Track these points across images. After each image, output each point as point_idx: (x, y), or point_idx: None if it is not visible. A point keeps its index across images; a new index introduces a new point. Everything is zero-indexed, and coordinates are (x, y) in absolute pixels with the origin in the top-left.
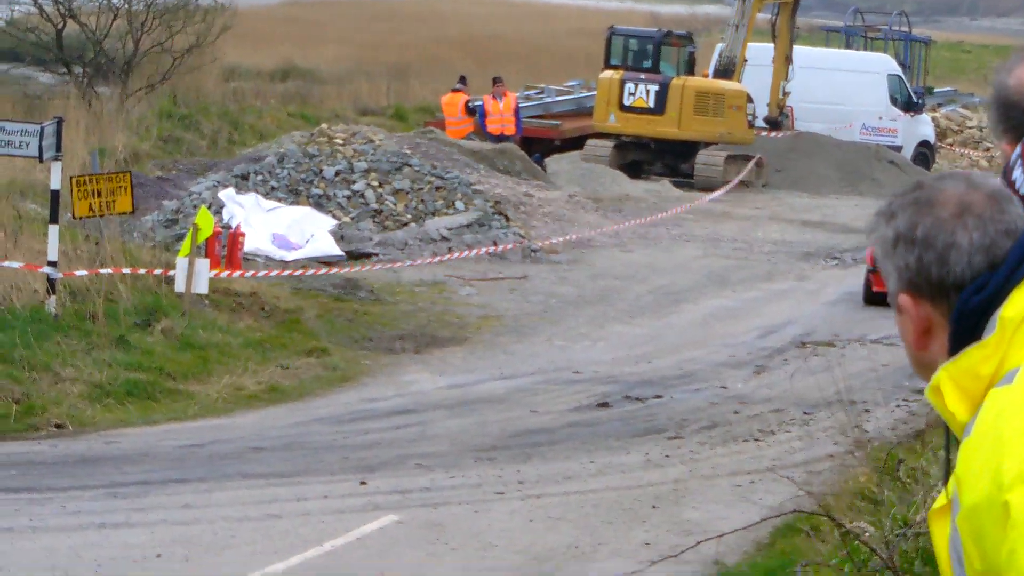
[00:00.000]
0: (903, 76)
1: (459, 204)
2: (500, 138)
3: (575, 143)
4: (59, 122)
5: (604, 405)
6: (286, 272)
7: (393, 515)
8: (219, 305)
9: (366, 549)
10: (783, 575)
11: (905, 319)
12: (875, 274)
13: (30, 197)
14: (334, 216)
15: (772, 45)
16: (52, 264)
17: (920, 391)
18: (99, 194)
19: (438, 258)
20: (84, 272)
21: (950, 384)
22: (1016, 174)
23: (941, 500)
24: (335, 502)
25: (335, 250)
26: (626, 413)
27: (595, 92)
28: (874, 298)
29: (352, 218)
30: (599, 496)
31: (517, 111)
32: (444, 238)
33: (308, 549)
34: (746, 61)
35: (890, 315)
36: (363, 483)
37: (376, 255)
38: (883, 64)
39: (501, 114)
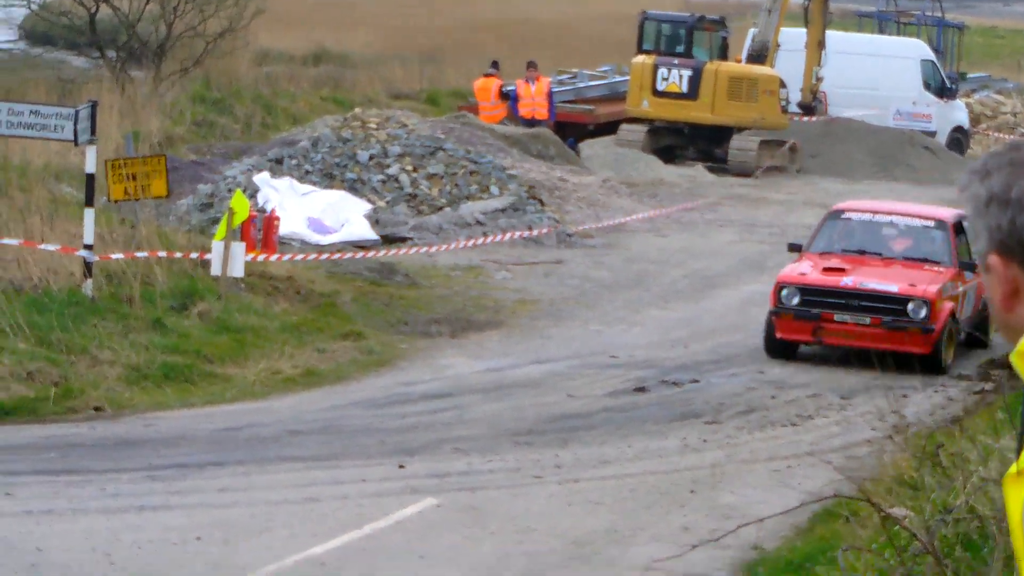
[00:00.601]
0: (936, 61)
1: (493, 189)
2: (532, 122)
3: (608, 128)
4: (94, 106)
5: (641, 390)
6: (322, 256)
7: (431, 499)
8: (255, 289)
9: (404, 532)
10: (823, 560)
11: (993, 280)
12: (779, 317)
13: (65, 181)
14: (369, 200)
15: (805, 30)
16: (88, 247)
17: (958, 377)
18: (134, 178)
19: (473, 242)
20: (120, 255)
21: None
22: None
23: (1014, 467)
24: (373, 485)
25: (370, 234)
26: (663, 398)
27: (628, 77)
28: (776, 347)
29: (387, 202)
30: (637, 480)
31: (550, 96)
32: (479, 222)
33: (346, 532)
34: (779, 46)
35: None
36: (401, 467)
37: (411, 239)
38: (916, 49)
39: (532, 98)
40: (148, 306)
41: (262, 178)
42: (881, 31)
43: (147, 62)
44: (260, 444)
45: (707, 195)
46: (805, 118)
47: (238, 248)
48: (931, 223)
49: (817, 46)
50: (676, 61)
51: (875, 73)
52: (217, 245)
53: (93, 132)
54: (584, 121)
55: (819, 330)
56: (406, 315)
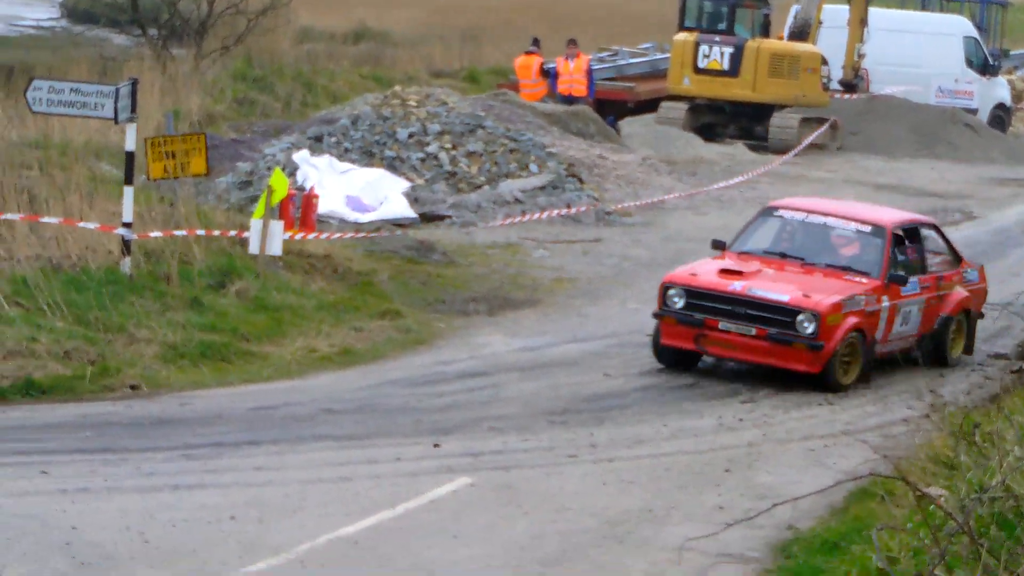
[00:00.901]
0: (979, 39)
1: (533, 167)
2: (570, 99)
3: (649, 106)
4: (134, 83)
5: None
6: (360, 234)
7: (466, 477)
8: (293, 267)
9: (439, 512)
10: (858, 539)
11: None
12: (663, 321)
13: (105, 159)
14: (408, 178)
15: (847, 7)
16: (127, 225)
17: (995, 356)
18: (173, 156)
19: (511, 220)
20: (158, 233)
21: None
22: None
23: None
24: (408, 464)
25: (409, 212)
26: (698, 376)
27: (669, 54)
28: (665, 354)
29: (426, 180)
30: (672, 460)
31: (589, 73)
32: (518, 200)
33: (380, 511)
34: (821, 23)
35: None
36: (436, 445)
37: (449, 217)
38: (959, 26)
39: (571, 75)
40: (186, 284)
41: (301, 156)
42: (924, 8)
43: (188, 40)
44: (295, 423)
45: (746, 173)
46: (846, 95)
47: (276, 226)
48: (867, 228)
49: (859, 23)
50: (718, 38)
51: (917, 50)
52: (255, 223)
53: (133, 110)
54: (624, 99)
55: (701, 338)
56: (443, 293)
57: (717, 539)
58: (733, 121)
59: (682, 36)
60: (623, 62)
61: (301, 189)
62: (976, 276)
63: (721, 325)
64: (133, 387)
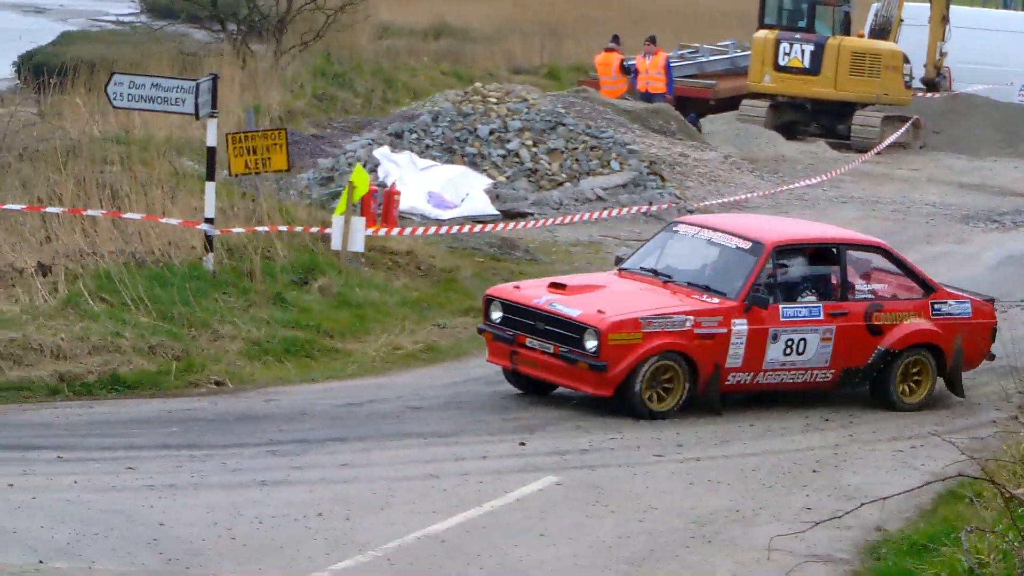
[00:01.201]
0: None
1: (614, 164)
2: (649, 96)
3: (730, 103)
4: (214, 79)
5: None
6: (442, 230)
7: (552, 476)
8: (375, 263)
9: (525, 510)
10: (947, 541)
11: None
12: (487, 336)
13: (186, 154)
14: (489, 175)
15: (928, 5)
16: (209, 221)
17: None
18: (254, 151)
19: (593, 214)
20: (241, 229)
21: None
22: None
23: None
24: (494, 463)
25: (490, 209)
26: None
27: (750, 52)
28: (508, 375)
29: (507, 177)
30: (759, 460)
31: (668, 70)
32: (599, 198)
33: (467, 509)
34: (902, 21)
35: None
36: (522, 444)
37: (531, 215)
38: None
39: (647, 71)
40: (269, 280)
41: (382, 152)
42: (1006, 6)
43: (268, 36)
44: (381, 420)
45: (829, 172)
46: (928, 94)
47: (358, 223)
48: (746, 245)
49: (941, 21)
50: (798, 36)
51: (1000, 48)
52: (337, 219)
53: (214, 105)
54: (705, 96)
55: (515, 355)
56: None
57: (805, 539)
58: (815, 119)
59: (762, 33)
60: (704, 59)
61: (382, 185)
62: (965, 310)
63: (528, 342)
64: (218, 383)
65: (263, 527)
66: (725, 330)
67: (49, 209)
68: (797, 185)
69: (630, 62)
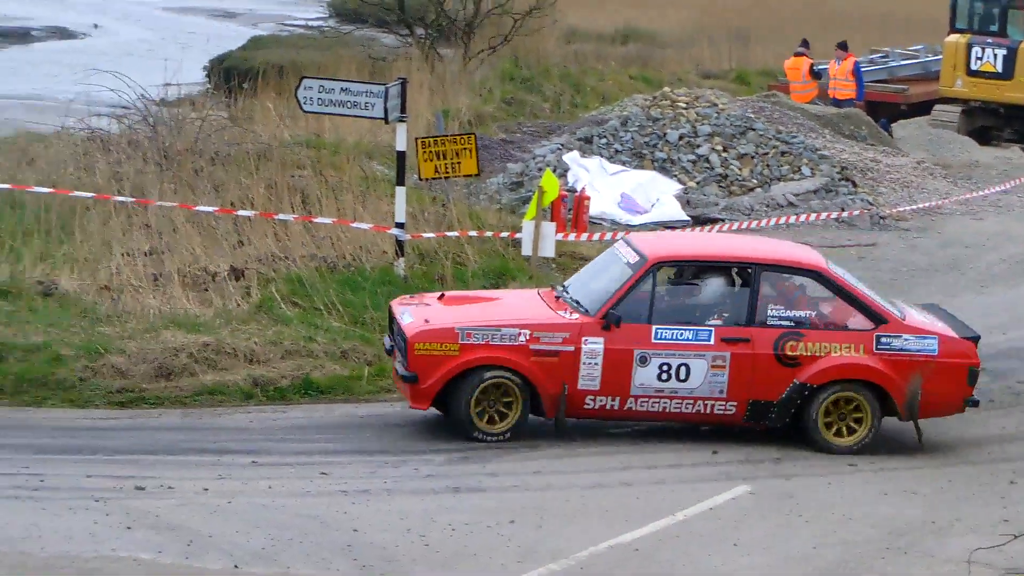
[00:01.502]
0: None
1: (805, 170)
2: (837, 102)
3: (922, 108)
4: (403, 83)
5: None
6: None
7: (745, 485)
8: (566, 269)
9: (719, 519)
10: None
11: None
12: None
13: (376, 158)
14: (679, 180)
15: None
16: (400, 226)
17: None
18: (444, 156)
19: (784, 221)
20: (431, 234)
21: None
22: None
23: None
24: (686, 471)
25: (681, 215)
26: (980, 384)
27: (941, 56)
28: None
29: (697, 183)
30: (954, 471)
31: (858, 75)
32: (790, 204)
33: (660, 518)
34: None
35: None
36: (714, 452)
37: (722, 220)
38: None
39: (834, 77)
40: (460, 285)
41: (571, 157)
42: None
43: (455, 40)
44: (573, 427)
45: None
46: None
47: (548, 228)
48: (634, 259)
49: None
50: (990, 40)
51: None
52: (527, 224)
53: (403, 110)
54: (896, 101)
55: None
56: None
57: (1004, 552)
58: (1008, 124)
59: (954, 38)
60: (894, 64)
61: (572, 190)
62: (928, 347)
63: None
64: None
65: (456, 534)
66: (573, 348)
67: (241, 212)
68: (991, 191)
69: (821, 67)
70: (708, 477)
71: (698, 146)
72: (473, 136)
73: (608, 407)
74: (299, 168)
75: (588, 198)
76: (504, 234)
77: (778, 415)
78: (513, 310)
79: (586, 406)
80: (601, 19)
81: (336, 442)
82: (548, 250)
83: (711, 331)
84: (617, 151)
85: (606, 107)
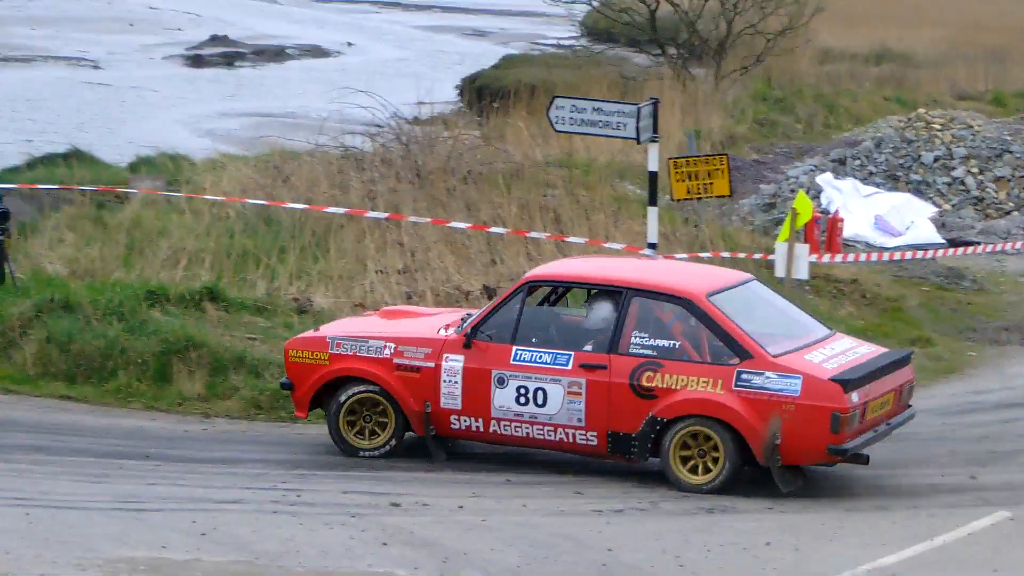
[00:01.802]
0: None
1: None
2: None
3: None
4: (655, 103)
5: None
6: (884, 258)
7: (1004, 511)
8: (819, 291)
9: (978, 545)
10: None
11: None
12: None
13: (628, 178)
14: (934, 203)
15: None
16: (652, 246)
17: None
18: (696, 176)
19: None
20: (684, 255)
21: None
22: None
23: None
24: (944, 496)
25: (936, 238)
26: None
27: None
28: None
29: (952, 205)
30: None
31: None
32: None
33: (918, 543)
34: None
35: None
36: (972, 477)
37: (977, 243)
38: None
39: None
40: None
41: (825, 179)
42: None
43: (707, 59)
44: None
45: None
46: None
47: (802, 249)
48: (521, 285)
49: None
50: None
51: None
52: (780, 246)
53: (655, 130)
54: None
55: None
56: (974, 322)
57: None
58: None
59: None
60: None
61: (825, 212)
62: (791, 387)
63: None
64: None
65: (711, 555)
66: (433, 364)
67: (493, 230)
68: None
69: None
70: (966, 502)
71: (953, 168)
72: (726, 157)
73: (473, 428)
74: (551, 188)
75: (842, 220)
76: (757, 255)
77: (639, 449)
78: (410, 325)
79: (452, 426)
80: (855, 39)
81: (589, 463)
82: (802, 272)
83: (570, 356)
84: (871, 173)
85: (859, 128)
